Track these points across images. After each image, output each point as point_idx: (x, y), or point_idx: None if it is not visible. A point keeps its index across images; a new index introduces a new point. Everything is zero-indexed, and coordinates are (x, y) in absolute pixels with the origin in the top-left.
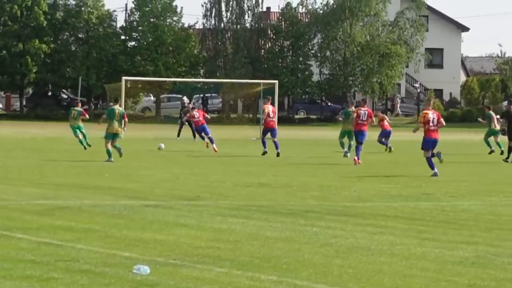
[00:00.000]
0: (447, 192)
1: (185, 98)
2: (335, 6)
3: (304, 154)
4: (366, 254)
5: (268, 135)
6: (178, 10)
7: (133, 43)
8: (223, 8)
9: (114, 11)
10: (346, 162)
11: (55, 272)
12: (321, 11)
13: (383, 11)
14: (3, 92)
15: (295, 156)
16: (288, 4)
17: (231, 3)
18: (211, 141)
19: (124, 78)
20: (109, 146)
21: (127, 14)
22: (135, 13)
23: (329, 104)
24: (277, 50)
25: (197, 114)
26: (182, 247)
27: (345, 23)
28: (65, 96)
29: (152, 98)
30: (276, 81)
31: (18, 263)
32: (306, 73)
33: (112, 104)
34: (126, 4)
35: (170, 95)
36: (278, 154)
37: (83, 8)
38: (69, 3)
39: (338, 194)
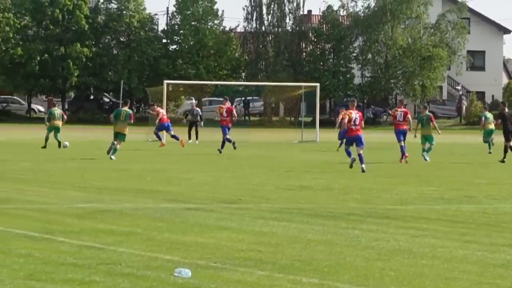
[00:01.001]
0: (489, 195)
1: (193, 100)
2: (376, 8)
3: (345, 157)
4: (407, 257)
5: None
6: (219, 13)
7: (174, 46)
8: (264, 11)
9: (156, 14)
10: (390, 164)
11: (96, 275)
12: (362, 14)
13: (425, 14)
14: (45, 96)
15: (336, 159)
16: (329, 7)
17: (272, 6)
18: (176, 138)
19: (165, 81)
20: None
21: (168, 18)
22: (177, 16)
23: (371, 106)
24: (318, 53)
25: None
26: (223, 250)
27: (387, 26)
28: (107, 100)
29: (193, 101)
30: (318, 84)
31: (60, 267)
32: (348, 75)
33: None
34: (167, 8)
35: (211, 98)
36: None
37: (124, 12)
38: (110, 7)
39: (380, 197)
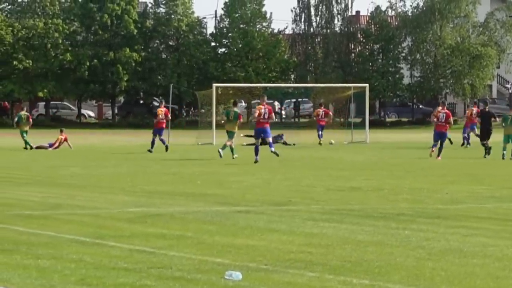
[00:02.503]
0: None
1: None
2: (424, 8)
3: (395, 157)
4: (458, 256)
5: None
6: (268, 15)
7: (223, 49)
8: (312, 13)
9: (204, 18)
10: (441, 163)
11: (147, 279)
12: (411, 14)
13: (473, 12)
14: (95, 101)
15: (386, 159)
16: (377, 7)
17: (320, 7)
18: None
19: (214, 84)
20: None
21: (216, 21)
22: (225, 19)
23: (420, 106)
24: (367, 53)
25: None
26: (273, 252)
27: (435, 25)
28: (156, 104)
29: (243, 104)
30: (367, 85)
31: (111, 271)
32: (397, 76)
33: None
34: (215, 11)
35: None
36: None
37: (173, 16)
38: (159, 11)
39: (430, 196)
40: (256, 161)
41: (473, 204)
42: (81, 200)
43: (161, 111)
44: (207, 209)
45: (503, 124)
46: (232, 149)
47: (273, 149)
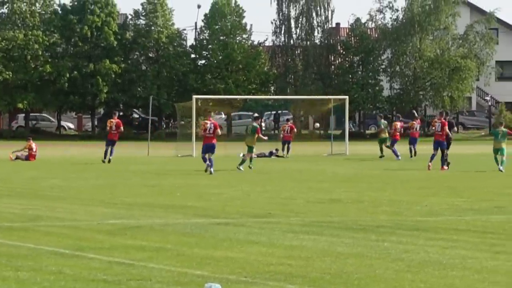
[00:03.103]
0: None
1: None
2: (404, 20)
3: (374, 169)
4: (437, 268)
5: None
6: (248, 27)
7: (203, 61)
8: (293, 25)
9: (184, 30)
10: (420, 176)
11: None
12: (391, 26)
13: (453, 25)
14: (74, 113)
15: (365, 171)
16: (357, 19)
17: (300, 19)
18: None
19: (194, 96)
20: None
21: (196, 33)
22: (205, 31)
23: (400, 119)
24: (347, 65)
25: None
26: (253, 265)
27: (415, 38)
28: (136, 116)
29: (223, 116)
30: (347, 97)
31: (90, 283)
32: (376, 88)
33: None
34: (195, 23)
35: (241, 113)
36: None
37: (153, 28)
38: (139, 23)
39: (409, 208)
40: (206, 170)
41: (452, 217)
42: (61, 212)
43: (112, 122)
44: (186, 221)
45: (494, 138)
46: (251, 160)
47: (212, 169)
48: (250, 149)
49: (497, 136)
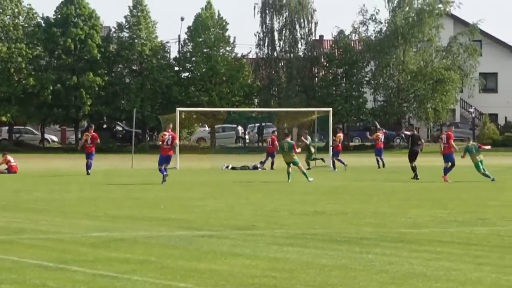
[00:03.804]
0: (503, 217)
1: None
2: (388, 32)
3: (358, 181)
4: (422, 280)
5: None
6: (231, 40)
7: (186, 74)
8: (276, 37)
9: (167, 42)
10: (403, 188)
11: None
12: (374, 38)
13: (436, 37)
14: (58, 126)
15: (349, 183)
16: (341, 31)
17: (284, 32)
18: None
19: (178, 109)
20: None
21: (180, 45)
22: (188, 44)
23: (384, 130)
24: (330, 78)
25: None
26: (237, 277)
27: (398, 50)
28: (120, 129)
29: (206, 128)
30: (330, 109)
31: None
32: (360, 100)
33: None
34: (179, 36)
35: (224, 125)
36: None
37: (136, 40)
38: (122, 35)
39: (393, 220)
40: (164, 181)
41: (436, 228)
42: (45, 225)
43: (87, 135)
44: (170, 234)
45: (468, 154)
46: (305, 174)
47: (164, 179)
48: (295, 163)
49: (471, 151)
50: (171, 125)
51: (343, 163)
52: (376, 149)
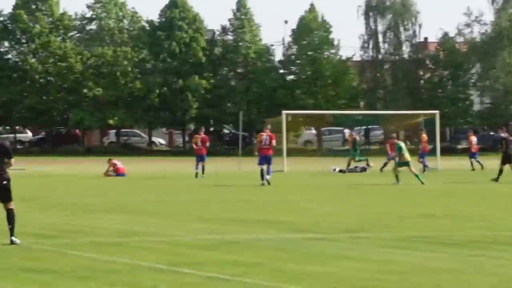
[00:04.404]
0: None
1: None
2: (492, 34)
3: (467, 183)
4: None
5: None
6: (335, 42)
7: (291, 76)
8: (380, 40)
9: (272, 45)
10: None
11: None
12: (479, 40)
13: None
14: (165, 129)
15: (458, 186)
16: (445, 34)
17: (388, 34)
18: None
19: (284, 112)
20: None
21: (284, 48)
22: (293, 46)
23: (491, 133)
24: (436, 80)
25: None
26: (347, 280)
27: (504, 52)
28: (227, 131)
29: (313, 131)
30: (437, 112)
31: None
32: (467, 102)
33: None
34: (283, 38)
35: (331, 128)
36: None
37: (240, 43)
38: (226, 38)
39: (503, 223)
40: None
41: None
42: (154, 227)
43: (197, 138)
44: (279, 236)
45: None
46: (417, 176)
47: (269, 177)
48: (406, 164)
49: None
50: (269, 126)
51: (426, 166)
52: (470, 152)
